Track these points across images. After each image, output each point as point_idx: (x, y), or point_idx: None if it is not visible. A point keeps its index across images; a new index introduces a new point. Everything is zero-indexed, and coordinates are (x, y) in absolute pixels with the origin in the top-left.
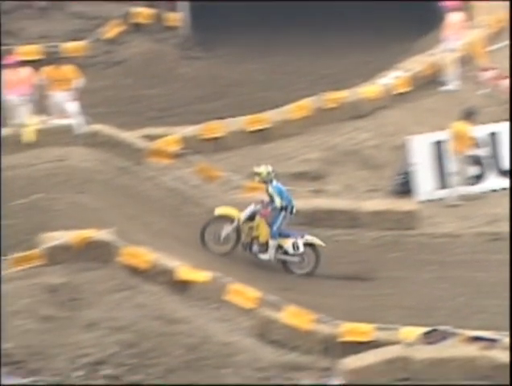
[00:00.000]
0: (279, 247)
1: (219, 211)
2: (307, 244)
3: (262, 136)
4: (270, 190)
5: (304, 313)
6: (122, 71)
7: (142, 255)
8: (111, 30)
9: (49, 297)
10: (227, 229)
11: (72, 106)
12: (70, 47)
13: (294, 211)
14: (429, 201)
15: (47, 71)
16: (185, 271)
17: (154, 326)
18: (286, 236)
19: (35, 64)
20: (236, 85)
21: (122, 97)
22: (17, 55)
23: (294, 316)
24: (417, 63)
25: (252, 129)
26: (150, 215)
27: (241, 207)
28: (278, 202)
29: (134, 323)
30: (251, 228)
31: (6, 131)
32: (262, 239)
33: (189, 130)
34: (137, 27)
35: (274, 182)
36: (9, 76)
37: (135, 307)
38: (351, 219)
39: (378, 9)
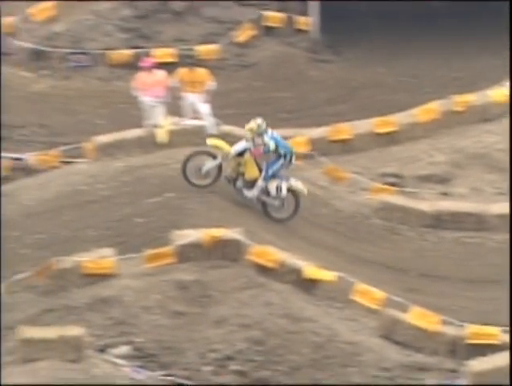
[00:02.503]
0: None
1: (210, 141)
2: (290, 190)
3: (389, 138)
4: (266, 139)
5: (430, 314)
6: (253, 74)
7: (270, 254)
8: (243, 34)
9: (180, 293)
10: (209, 165)
11: (205, 108)
12: (203, 50)
13: (293, 159)
14: None
15: (181, 73)
16: (312, 270)
17: (281, 324)
18: (272, 178)
19: (170, 67)
20: (364, 88)
21: (253, 99)
22: (152, 57)
23: (419, 317)
24: None
25: (380, 131)
26: None
27: (369, 208)
28: (272, 145)
29: (261, 321)
30: (239, 164)
31: (141, 132)
32: (248, 176)
33: (317, 132)
34: (268, 31)
35: (270, 132)
36: (144, 78)
37: (263, 305)
38: (478, 222)
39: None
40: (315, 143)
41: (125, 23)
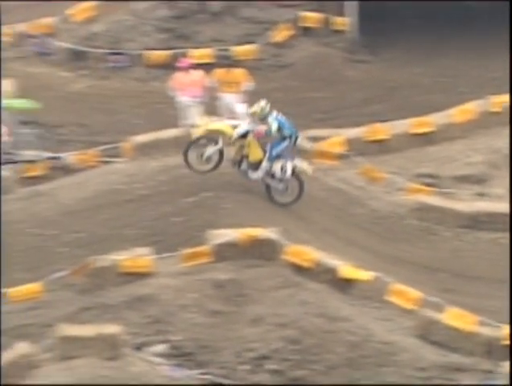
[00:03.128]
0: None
1: (212, 126)
2: (295, 174)
3: (426, 139)
4: (270, 120)
5: (466, 314)
6: (290, 74)
7: (306, 253)
8: (280, 34)
9: (216, 292)
10: (210, 150)
11: (241, 108)
12: (241, 50)
13: (298, 140)
14: None
15: (219, 73)
16: (348, 270)
17: (317, 323)
18: (277, 158)
19: (207, 67)
20: (400, 88)
21: (289, 99)
22: (190, 58)
23: (456, 317)
24: None
25: (416, 131)
26: (314, 215)
27: (405, 208)
28: (274, 127)
29: (297, 320)
30: (242, 146)
31: (177, 131)
32: (252, 158)
33: (354, 132)
34: (305, 31)
35: (275, 114)
36: (182, 79)
37: (299, 304)
38: None
39: None
40: (351, 143)
41: (163, 24)
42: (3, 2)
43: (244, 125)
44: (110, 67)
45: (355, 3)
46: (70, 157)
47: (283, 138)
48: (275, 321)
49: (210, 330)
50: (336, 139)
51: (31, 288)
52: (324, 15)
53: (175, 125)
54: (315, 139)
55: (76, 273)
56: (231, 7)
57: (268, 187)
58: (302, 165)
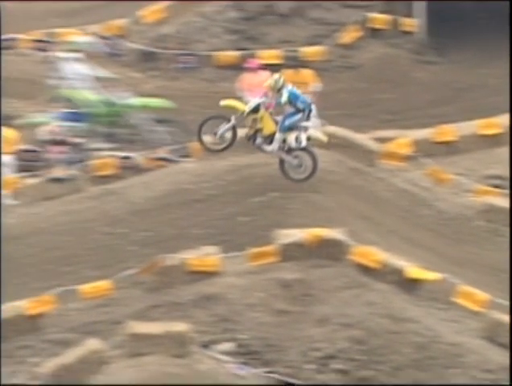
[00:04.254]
0: (283, 141)
1: (224, 102)
2: (309, 151)
3: (494, 140)
4: (283, 92)
5: None
6: (357, 76)
7: (373, 254)
8: (348, 36)
9: (283, 292)
10: (223, 128)
11: None
12: (309, 51)
13: (312, 114)
14: None
15: (287, 74)
16: (415, 271)
17: (384, 324)
18: (291, 129)
19: (275, 68)
20: (468, 90)
21: (356, 100)
22: (258, 59)
23: None
24: None
25: (484, 133)
26: (381, 216)
27: (473, 210)
28: (284, 97)
29: (363, 320)
30: (255, 120)
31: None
32: (266, 131)
33: (421, 134)
34: (373, 33)
35: (289, 87)
36: (250, 79)
37: (365, 305)
38: None
39: None
40: (418, 145)
41: (232, 25)
42: (75, 3)
43: (255, 100)
44: (180, 68)
45: (423, 4)
46: (140, 156)
47: (297, 111)
48: (341, 321)
49: (276, 329)
50: (403, 140)
51: (101, 285)
52: (393, 17)
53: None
54: (382, 140)
55: (144, 272)
56: (299, 8)
57: (282, 163)
58: (316, 133)
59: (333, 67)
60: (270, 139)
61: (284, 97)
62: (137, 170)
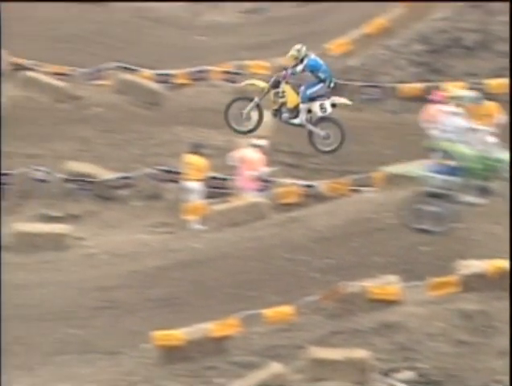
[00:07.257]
0: (308, 111)
1: (246, 82)
2: (336, 122)
3: None
4: (305, 61)
5: None
6: None
7: None
8: None
9: (463, 322)
10: (247, 107)
11: (493, 140)
12: (493, 83)
13: (332, 84)
14: None
15: (471, 105)
16: None
17: None
18: (314, 99)
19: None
20: None
21: None
22: (442, 91)
23: None
24: None
25: None
26: None
27: None
28: (299, 67)
29: None
30: (277, 94)
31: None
32: (290, 104)
33: None
34: None
35: (313, 56)
36: (434, 111)
37: None
38: None
39: None
40: None
41: (417, 58)
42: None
43: (275, 76)
44: (364, 99)
45: None
46: (323, 185)
47: (319, 81)
48: None
49: (457, 359)
50: None
51: (284, 310)
52: None
53: (425, 157)
54: None
55: (326, 298)
56: (485, 41)
57: (310, 134)
58: (340, 100)
59: None
60: (295, 112)
61: (299, 67)
62: (319, 198)
